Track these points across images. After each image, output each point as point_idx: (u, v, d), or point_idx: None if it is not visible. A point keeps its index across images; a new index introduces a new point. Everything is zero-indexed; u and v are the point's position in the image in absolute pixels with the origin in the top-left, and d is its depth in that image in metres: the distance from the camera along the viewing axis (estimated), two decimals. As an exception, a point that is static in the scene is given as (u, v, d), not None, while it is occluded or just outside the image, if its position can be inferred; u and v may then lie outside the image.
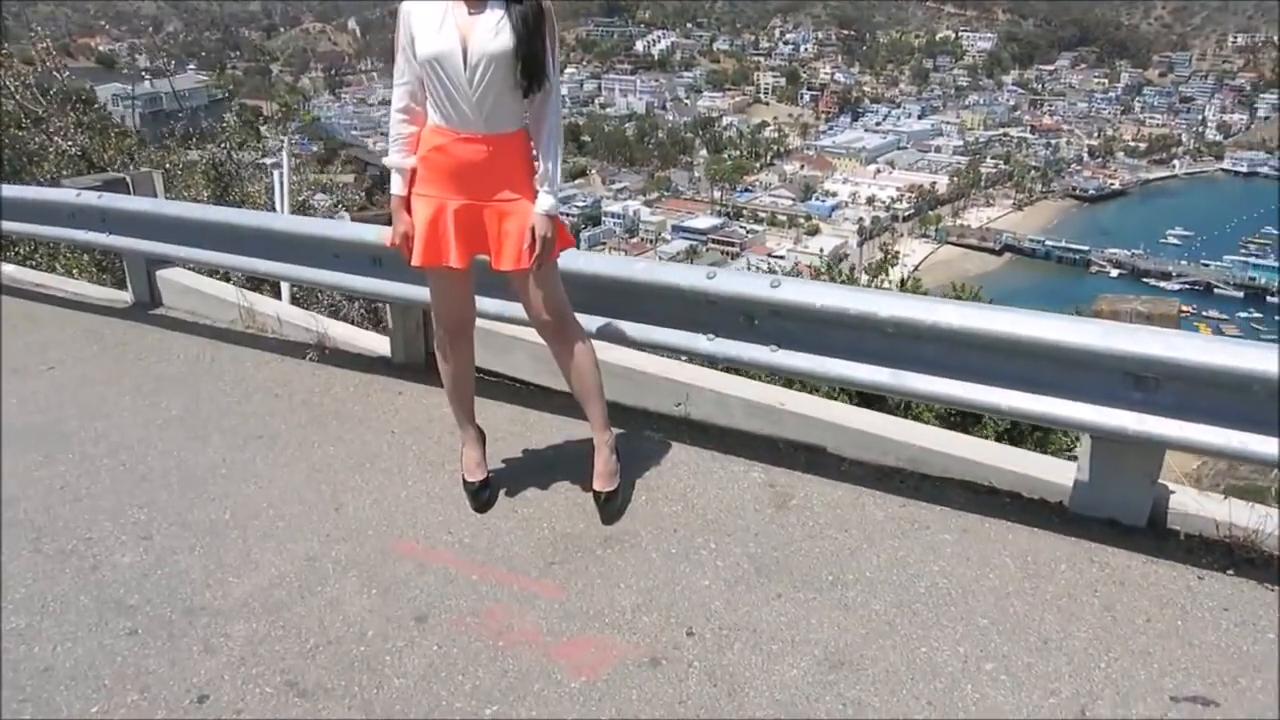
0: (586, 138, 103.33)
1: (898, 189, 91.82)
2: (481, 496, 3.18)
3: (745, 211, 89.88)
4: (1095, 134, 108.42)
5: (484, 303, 3.34)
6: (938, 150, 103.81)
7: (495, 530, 3.08)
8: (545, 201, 2.82)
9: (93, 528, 3.25)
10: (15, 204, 5.57)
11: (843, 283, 7.43)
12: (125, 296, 5.95)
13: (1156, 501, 2.91)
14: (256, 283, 6.78)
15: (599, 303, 3.43)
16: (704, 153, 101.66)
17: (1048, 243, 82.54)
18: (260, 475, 3.53)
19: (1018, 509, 3.08)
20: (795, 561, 2.85)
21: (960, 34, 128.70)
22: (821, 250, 65.78)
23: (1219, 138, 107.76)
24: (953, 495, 3.16)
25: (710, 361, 3.54)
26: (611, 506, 3.07)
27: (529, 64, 2.68)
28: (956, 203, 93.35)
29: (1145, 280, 73.87)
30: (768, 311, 3.12)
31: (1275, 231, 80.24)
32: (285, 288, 7.33)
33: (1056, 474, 3.11)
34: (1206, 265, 75.42)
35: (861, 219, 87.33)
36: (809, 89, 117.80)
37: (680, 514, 3.12)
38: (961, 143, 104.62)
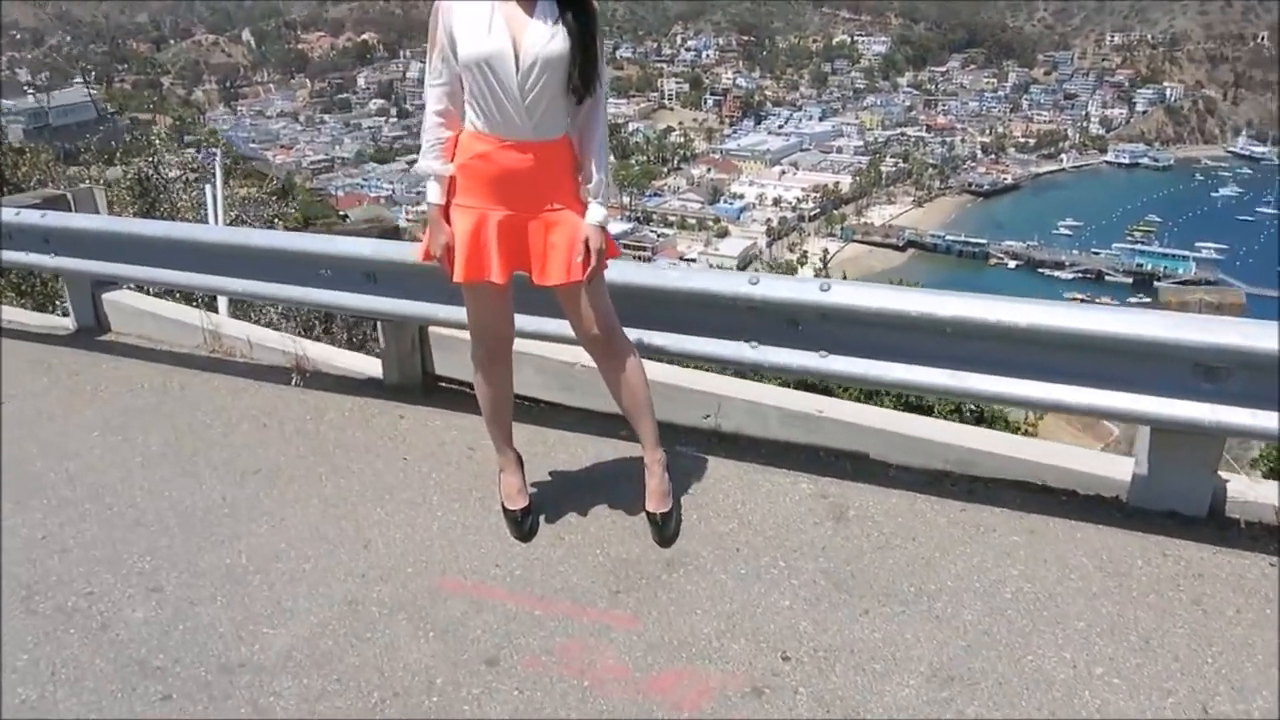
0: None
1: (803, 189, 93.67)
2: (525, 525, 2.99)
3: (655, 215, 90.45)
4: (987, 131, 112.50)
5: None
6: (839, 151, 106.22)
7: (546, 560, 2.90)
8: (597, 212, 2.67)
9: (91, 581, 2.94)
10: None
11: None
12: (66, 323, 5.52)
13: (1215, 491, 2.91)
14: (186, 297, 6.38)
15: (629, 314, 3.26)
16: (612, 159, 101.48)
17: (948, 237, 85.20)
18: (270, 513, 3.26)
19: (1077, 507, 3.05)
20: (871, 575, 2.75)
21: (856, 38, 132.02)
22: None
23: (1102, 132, 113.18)
24: (1009, 496, 3.11)
25: (751, 370, 3.42)
26: (668, 528, 2.93)
27: (585, 68, 2.52)
28: (860, 201, 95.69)
29: (1040, 270, 77.03)
30: (816, 316, 3.02)
31: (1158, 219, 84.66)
32: (223, 303, 6.92)
33: (1109, 469, 3.10)
34: (1096, 254, 78.84)
35: (769, 220, 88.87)
36: (712, 94, 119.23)
37: (738, 532, 2.99)
38: (862, 143, 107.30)
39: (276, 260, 4.08)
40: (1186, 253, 75.74)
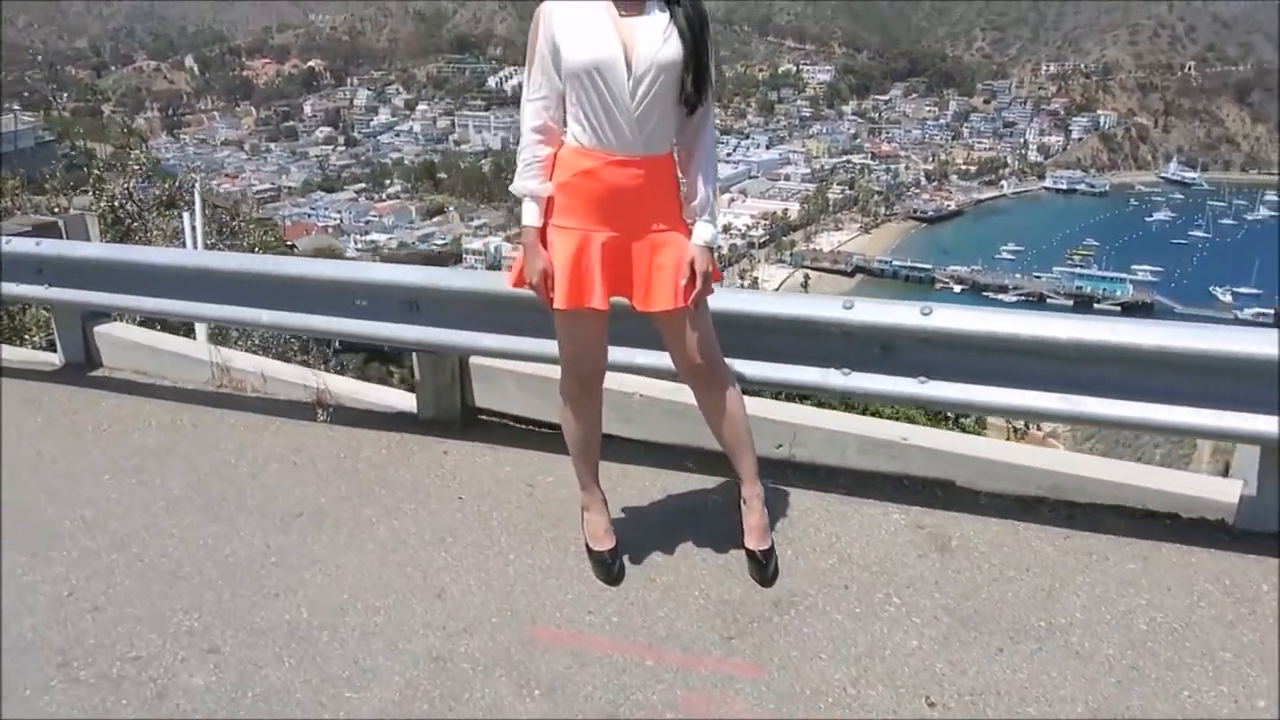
0: (443, 174, 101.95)
1: (752, 216, 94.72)
2: (613, 567, 2.79)
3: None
4: (930, 159, 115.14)
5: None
6: (787, 178, 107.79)
7: (642, 604, 2.69)
8: (706, 232, 2.50)
9: (135, 643, 2.66)
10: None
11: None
12: (51, 358, 5.18)
13: (1326, 513, 2.82)
14: (150, 324, 6.03)
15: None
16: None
17: (894, 262, 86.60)
18: (322, 560, 3.01)
19: (1183, 531, 2.93)
20: (994, 609, 2.60)
21: (801, 67, 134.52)
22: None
23: (1040, 158, 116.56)
24: (1111, 522, 2.99)
25: (841, 398, 3.27)
26: (770, 566, 2.74)
27: (699, 76, 2.36)
28: (808, 228, 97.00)
29: (985, 294, 78.47)
30: (915, 341, 2.88)
31: (1096, 243, 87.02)
32: (201, 329, 6.58)
33: (1213, 491, 2.99)
34: (1038, 277, 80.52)
35: (720, 247, 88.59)
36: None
37: (840, 567, 2.82)
38: (809, 170, 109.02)
39: (308, 290, 3.83)
40: (1124, 275, 77.91)
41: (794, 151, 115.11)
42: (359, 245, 74.87)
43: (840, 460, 3.37)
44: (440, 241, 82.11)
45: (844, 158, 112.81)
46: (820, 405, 3.72)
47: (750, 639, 2.52)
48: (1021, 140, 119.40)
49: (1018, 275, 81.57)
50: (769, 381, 3.11)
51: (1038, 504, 3.11)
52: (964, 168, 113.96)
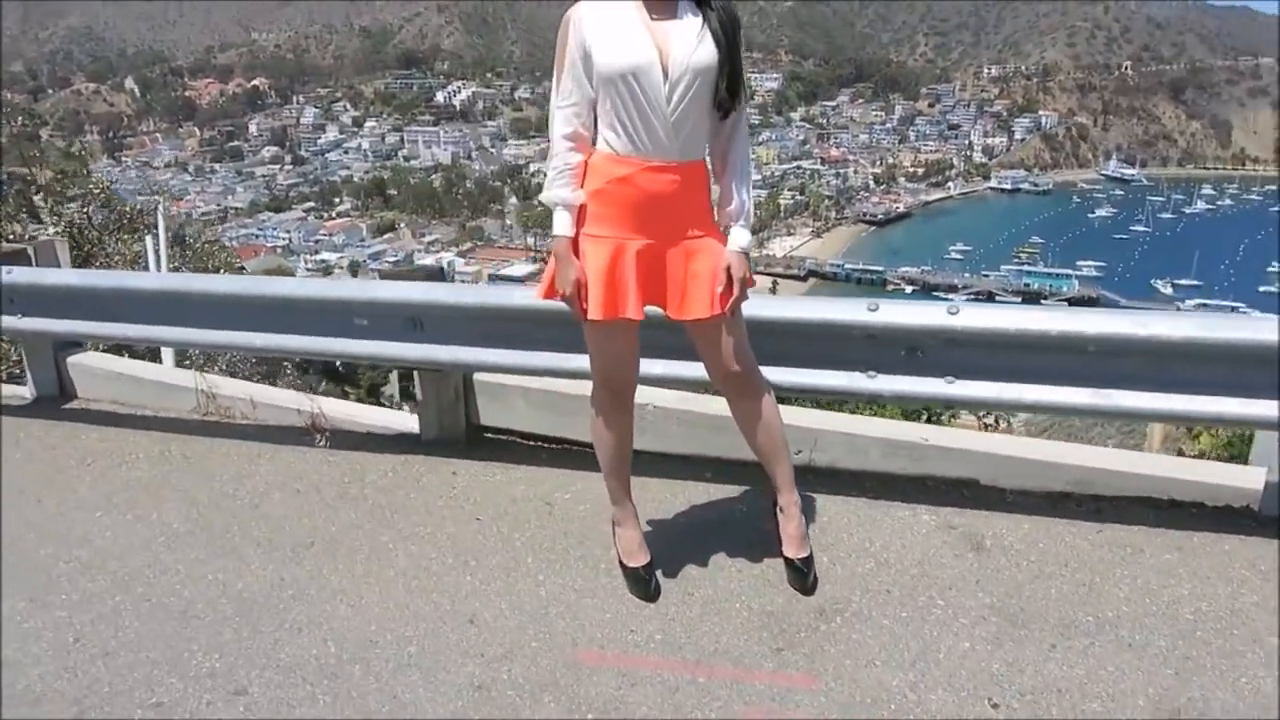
0: (393, 191, 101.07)
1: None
2: (651, 584, 2.72)
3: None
4: (878, 162, 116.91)
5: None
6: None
7: (684, 620, 2.63)
8: (743, 237, 2.46)
9: (154, 688, 2.53)
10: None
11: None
12: (21, 391, 4.98)
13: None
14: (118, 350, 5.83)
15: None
16: (514, 200, 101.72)
17: (846, 265, 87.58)
18: (343, 591, 2.90)
19: (1211, 519, 2.95)
20: (1039, 607, 2.58)
21: (749, 75, 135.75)
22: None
23: (985, 159, 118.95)
24: (1139, 513, 2.99)
25: (868, 402, 3.23)
26: (811, 574, 2.70)
27: (733, 80, 2.33)
28: (761, 234, 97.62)
29: (935, 294, 79.46)
30: (941, 341, 2.86)
31: (1041, 241, 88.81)
32: (168, 354, 6.40)
33: (1235, 479, 3.01)
34: (987, 275, 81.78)
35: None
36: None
37: (878, 572, 2.79)
38: (759, 177, 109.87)
39: (303, 310, 3.72)
40: (1069, 271, 79.55)
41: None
42: (309, 265, 73.87)
43: (862, 464, 3.34)
44: (392, 258, 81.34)
45: (794, 164, 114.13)
46: (826, 408, 3.68)
47: (800, 649, 2.47)
48: (966, 142, 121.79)
49: (967, 274, 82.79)
50: (795, 388, 3.07)
51: (1065, 499, 3.11)
52: (911, 170, 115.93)
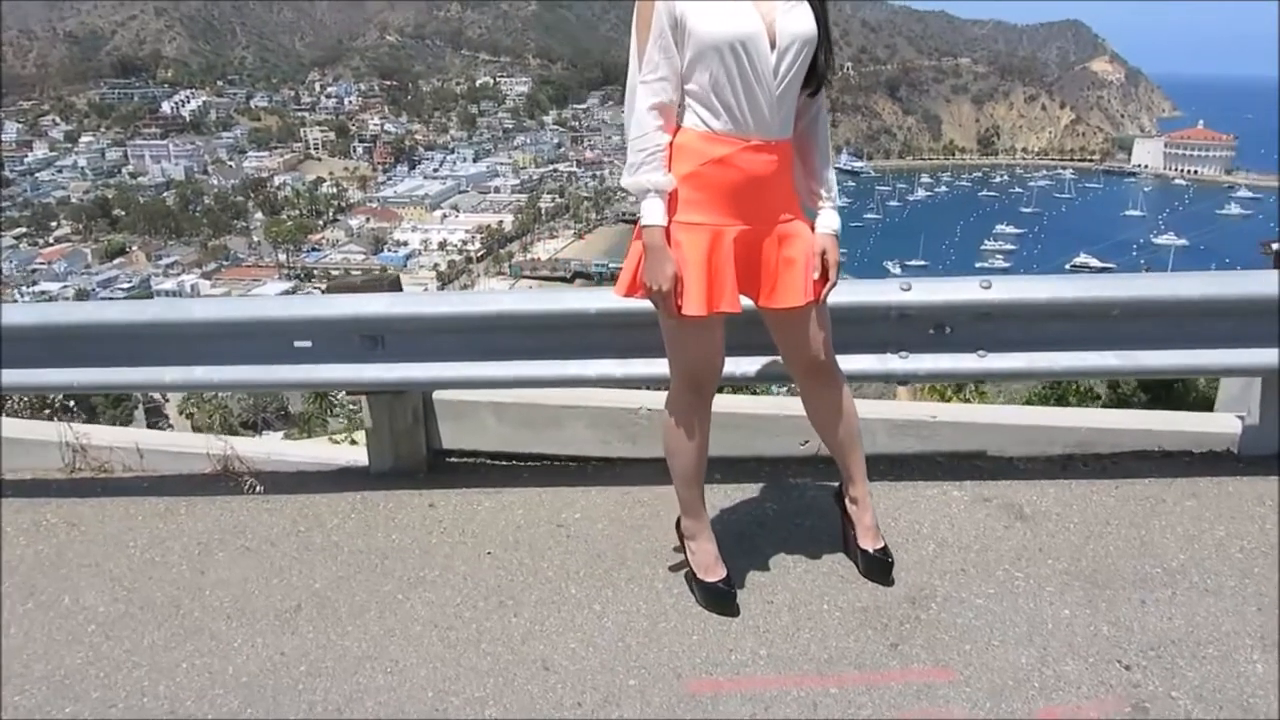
0: (120, 211, 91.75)
1: (467, 231, 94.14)
2: (734, 598, 2.52)
3: (317, 271, 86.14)
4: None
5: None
6: (497, 190, 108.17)
7: (780, 630, 2.46)
8: (834, 219, 2.33)
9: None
10: None
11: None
12: None
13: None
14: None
15: (752, 339, 2.91)
16: (260, 215, 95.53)
17: (610, 265, 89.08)
18: (369, 657, 2.47)
19: (1205, 465, 3.16)
20: (1108, 566, 2.64)
21: (498, 80, 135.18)
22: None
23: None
24: (1141, 467, 3.16)
25: (900, 382, 3.17)
26: (889, 563, 2.61)
27: (828, 52, 2.18)
28: (524, 238, 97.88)
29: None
30: (971, 316, 2.87)
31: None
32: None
33: (1212, 426, 3.25)
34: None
35: (438, 264, 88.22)
36: (361, 141, 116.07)
37: (942, 553, 2.75)
38: (518, 181, 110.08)
39: (227, 335, 3.17)
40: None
41: (501, 163, 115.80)
42: (27, 297, 65.48)
43: (870, 447, 3.28)
44: (126, 285, 73.96)
45: (551, 167, 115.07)
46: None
47: (914, 642, 2.38)
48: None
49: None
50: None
51: (1070, 461, 3.23)
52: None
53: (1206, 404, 4.05)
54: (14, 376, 3.24)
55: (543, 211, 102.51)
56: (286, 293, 75.37)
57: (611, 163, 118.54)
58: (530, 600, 2.66)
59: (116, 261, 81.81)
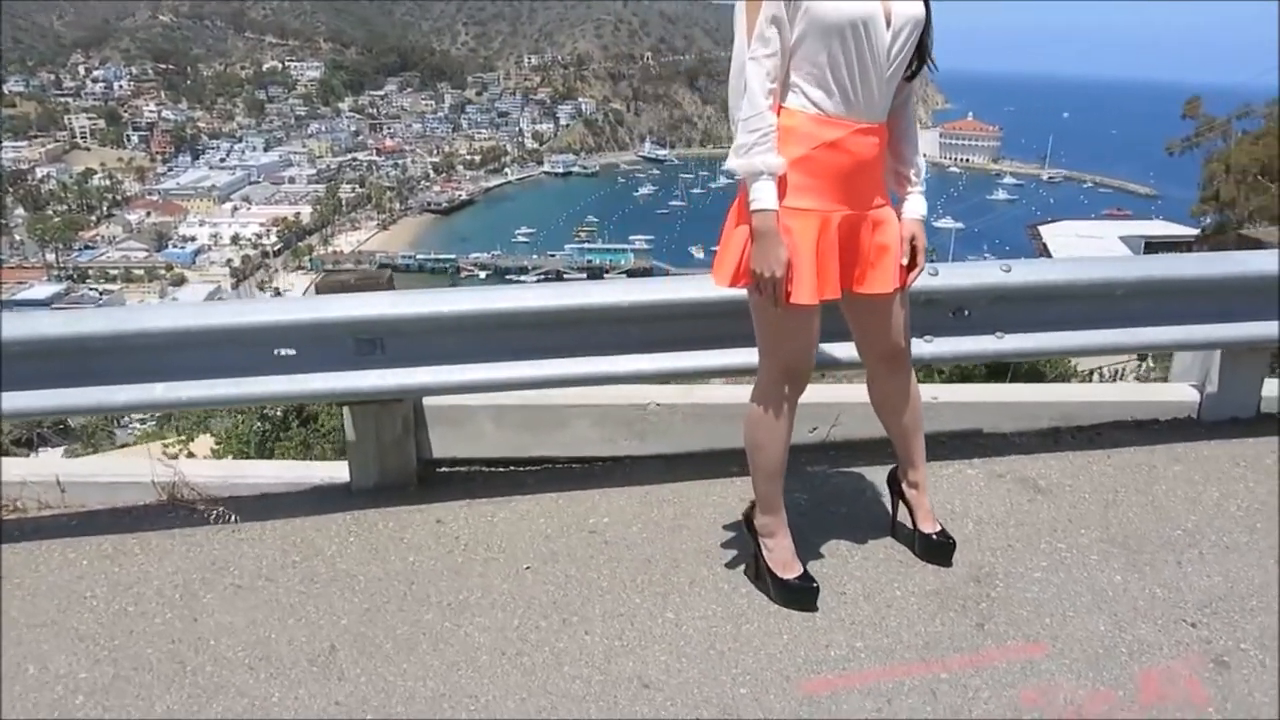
0: None
1: (261, 224, 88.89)
2: (816, 593, 2.47)
3: (92, 271, 78.73)
4: (435, 151, 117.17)
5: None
6: (292, 181, 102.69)
7: (867, 621, 2.43)
8: (922, 204, 2.31)
9: None
10: None
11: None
12: None
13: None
14: None
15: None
16: (21, 211, 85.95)
17: (418, 256, 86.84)
18: (443, 695, 2.25)
19: (1174, 431, 3.43)
20: (1134, 531, 2.80)
21: (287, 64, 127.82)
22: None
23: (536, 145, 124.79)
24: (1122, 436, 3.38)
25: (926, 366, 3.20)
26: (951, 545, 2.64)
27: (930, 34, 2.16)
28: (324, 230, 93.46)
29: (508, 277, 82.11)
30: (989, 299, 2.96)
31: (596, 219, 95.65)
32: None
33: (1172, 395, 3.52)
34: (553, 255, 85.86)
35: (230, 260, 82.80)
36: (135, 129, 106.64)
37: (982, 530, 2.83)
38: (314, 171, 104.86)
39: (193, 345, 2.79)
40: (624, 246, 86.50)
41: (295, 152, 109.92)
42: None
43: (874, 431, 3.31)
44: None
45: (349, 155, 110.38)
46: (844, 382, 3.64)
47: (998, 620, 2.43)
48: (517, 129, 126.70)
49: (535, 256, 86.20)
50: (855, 362, 2.98)
51: (1057, 434, 3.41)
52: (468, 158, 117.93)
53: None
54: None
55: (343, 202, 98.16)
56: (58, 294, 68.45)
57: (414, 151, 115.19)
58: (596, 615, 2.51)
59: None
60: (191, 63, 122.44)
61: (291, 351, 2.85)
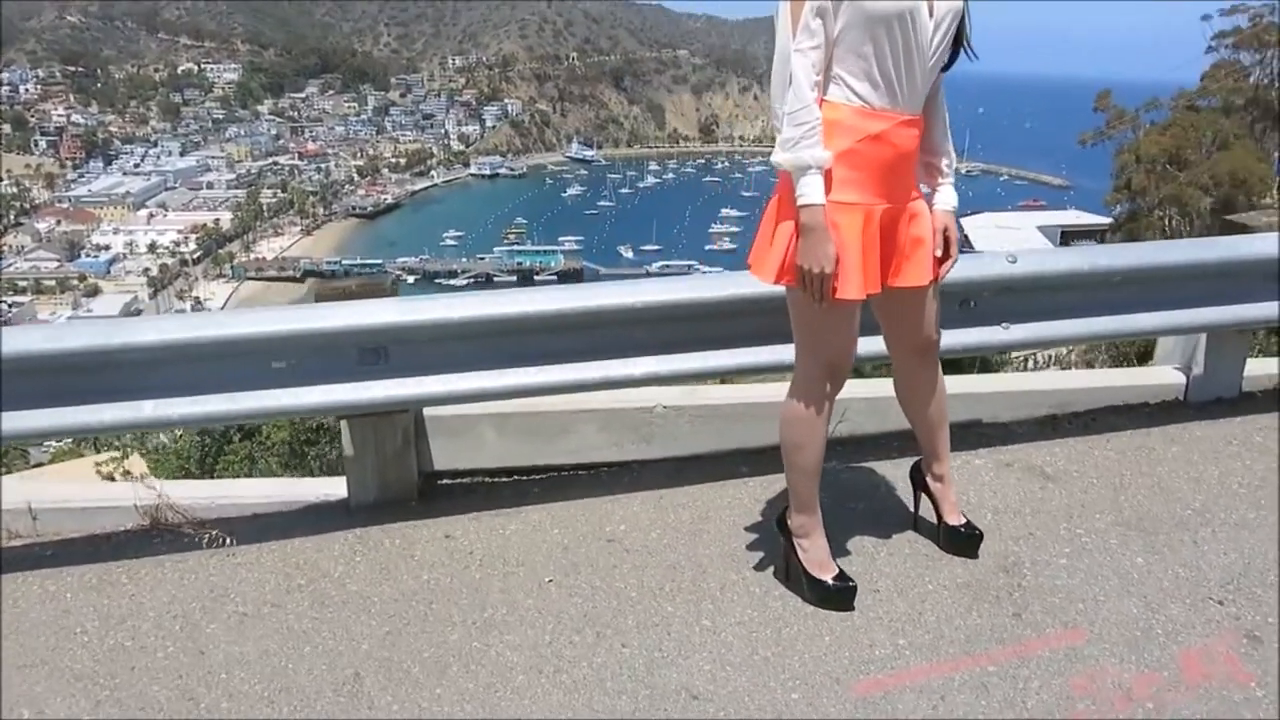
0: None
1: (179, 231, 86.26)
2: (854, 592, 2.44)
3: (1, 283, 75.33)
4: (359, 154, 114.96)
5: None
6: (210, 186, 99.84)
7: (906, 618, 2.41)
8: (953, 195, 2.30)
9: None
10: None
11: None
12: None
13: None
14: None
15: (775, 328, 2.82)
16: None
17: (344, 261, 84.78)
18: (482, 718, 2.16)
19: (1165, 413, 3.50)
20: (1145, 513, 2.85)
21: (203, 66, 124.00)
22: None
23: (462, 147, 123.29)
24: (1116, 420, 3.43)
25: None
26: (978, 536, 2.64)
27: (968, 24, 2.15)
28: (245, 237, 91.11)
29: (438, 280, 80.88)
30: (995, 290, 2.98)
31: (525, 221, 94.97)
32: None
33: (1158, 379, 3.60)
34: (482, 258, 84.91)
35: (148, 269, 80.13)
36: (44, 134, 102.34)
37: (1001, 520, 2.83)
38: (234, 176, 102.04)
39: (192, 359, 2.64)
40: (554, 247, 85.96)
41: (213, 157, 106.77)
42: None
43: (880, 425, 3.34)
44: None
45: (270, 160, 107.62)
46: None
47: (1032, 610, 2.43)
48: (442, 131, 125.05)
49: (464, 259, 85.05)
50: (865, 356, 2.96)
51: (1055, 421, 3.45)
52: (394, 161, 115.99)
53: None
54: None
55: (264, 208, 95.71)
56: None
57: (337, 154, 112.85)
58: (630, 626, 2.44)
59: None
60: (102, 65, 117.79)
61: (289, 363, 2.72)
